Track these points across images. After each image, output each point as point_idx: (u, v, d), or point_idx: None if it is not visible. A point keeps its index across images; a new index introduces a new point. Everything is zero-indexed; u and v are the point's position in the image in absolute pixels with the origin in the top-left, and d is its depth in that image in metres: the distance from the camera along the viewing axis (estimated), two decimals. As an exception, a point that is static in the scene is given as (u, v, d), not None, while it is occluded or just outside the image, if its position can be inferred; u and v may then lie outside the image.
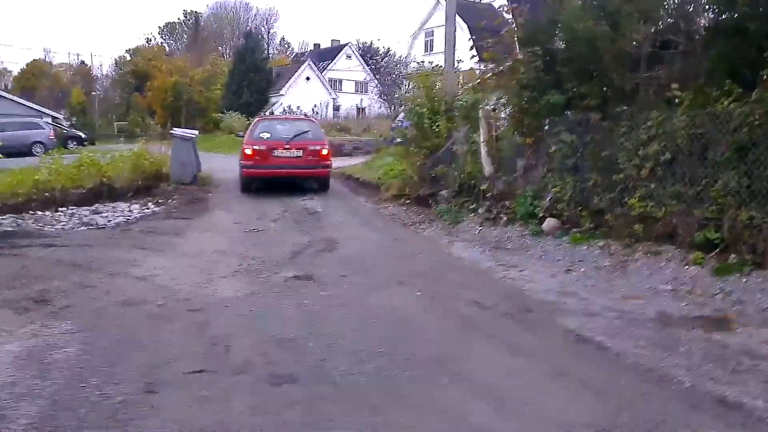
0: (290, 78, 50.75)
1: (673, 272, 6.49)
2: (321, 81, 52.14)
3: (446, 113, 11.44)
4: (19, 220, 9.82)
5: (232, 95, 45.57)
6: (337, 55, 59.87)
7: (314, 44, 72.37)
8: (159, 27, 75.78)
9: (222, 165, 16.97)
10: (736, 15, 6.52)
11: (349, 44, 61.68)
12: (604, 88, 8.00)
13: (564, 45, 8.34)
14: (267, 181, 13.58)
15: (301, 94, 47.88)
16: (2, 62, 69.48)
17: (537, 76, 8.86)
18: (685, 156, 6.71)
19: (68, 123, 46.56)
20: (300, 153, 13.37)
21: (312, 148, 13.46)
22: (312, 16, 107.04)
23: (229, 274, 7.01)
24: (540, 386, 4.07)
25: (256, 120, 15.61)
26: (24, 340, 4.73)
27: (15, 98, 39.13)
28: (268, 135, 13.70)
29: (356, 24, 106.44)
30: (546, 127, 9.11)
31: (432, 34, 45.39)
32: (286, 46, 79.72)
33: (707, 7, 7.08)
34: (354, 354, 4.55)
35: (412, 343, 4.80)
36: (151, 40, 68.99)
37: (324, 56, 62.45)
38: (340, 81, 57.54)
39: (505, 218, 9.40)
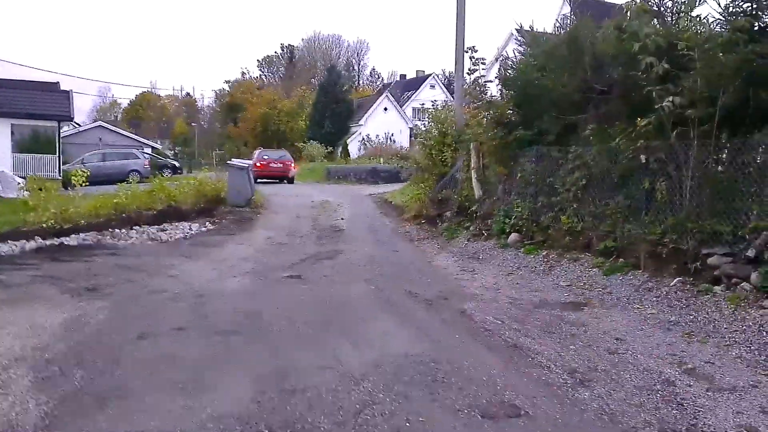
0: (369, 109, 53.60)
1: (579, 273, 7.98)
2: (398, 111, 54.63)
3: (453, 144, 13.15)
4: (99, 236, 12.35)
5: (315, 126, 49.03)
6: (421, 86, 62.30)
7: (400, 75, 75.69)
8: (258, 60, 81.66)
9: (281, 190, 19.31)
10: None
11: (433, 74, 63.93)
12: (553, 126, 9.51)
13: (519, 91, 9.97)
14: (265, 177, 27.65)
15: (379, 124, 50.61)
16: (113, 96, 77.02)
17: (508, 115, 10.49)
18: (595, 182, 8.19)
19: (172, 153, 51.45)
20: (281, 165, 29.47)
21: (287, 164, 29.81)
22: (402, 47, 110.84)
23: (240, 274, 9.05)
24: (398, 338, 5.79)
25: (259, 150, 32.09)
26: (73, 311, 6.88)
27: (120, 130, 44.06)
28: (267, 157, 29.99)
29: (445, 53, 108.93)
30: (521, 158, 10.70)
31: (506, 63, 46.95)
32: (376, 77, 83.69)
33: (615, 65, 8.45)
34: (288, 319, 6.45)
35: (334, 314, 6.66)
36: (245, 74, 74.59)
37: (408, 86, 65.18)
38: (426, 110, 59.73)
39: (486, 234, 11.00)
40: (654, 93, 6.98)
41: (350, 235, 12.76)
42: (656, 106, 6.94)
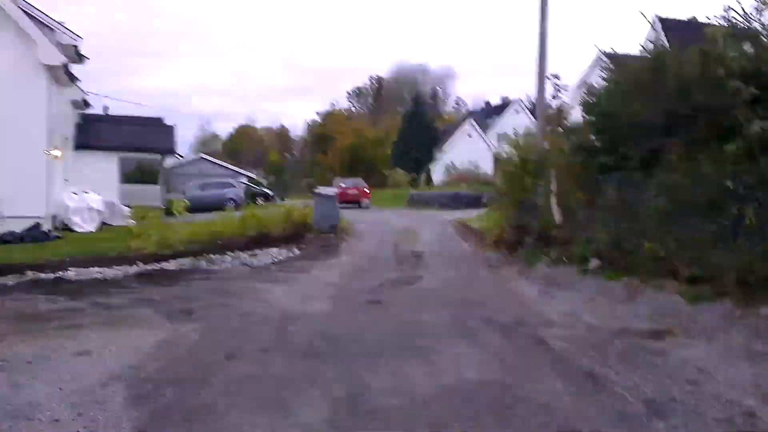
0: (453, 135, 53.84)
1: (662, 301, 7.74)
2: (482, 137, 54.55)
3: (533, 170, 13.08)
4: (195, 261, 13.06)
5: (401, 153, 49.82)
6: (504, 111, 61.98)
7: (485, 101, 75.55)
8: (347, 92, 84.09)
9: (364, 216, 19.72)
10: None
11: (518, 100, 63.44)
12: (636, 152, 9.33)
13: (601, 117, 9.87)
14: (341, 202, 24.71)
15: (463, 150, 50.67)
16: (213, 130, 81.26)
17: (590, 141, 10.40)
18: (680, 208, 7.97)
19: (265, 181, 53.61)
20: (357, 192, 33.79)
21: (362, 190, 34.42)
22: (486, 73, 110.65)
23: (323, 298, 9.36)
24: (472, 363, 5.86)
25: (337, 178, 37.22)
26: (167, 332, 7.36)
27: (218, 161, 46.60)
28: (344, 184, 33.57)
29: (530, 79, 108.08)
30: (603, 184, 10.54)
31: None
32: (461, 103, 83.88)
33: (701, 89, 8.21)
34: (363, 343, 6.68)
35: (409, 339, 6.82)
36: (335, 105, 76.97)
37: (492, 112, 65.01)
38: (508, 137, 59.17)
39: (566, 260, 10.84)
40: (741, 117, 6.78)
41: (430, 261, 12.90)
42: (744, 131, 6.73)
